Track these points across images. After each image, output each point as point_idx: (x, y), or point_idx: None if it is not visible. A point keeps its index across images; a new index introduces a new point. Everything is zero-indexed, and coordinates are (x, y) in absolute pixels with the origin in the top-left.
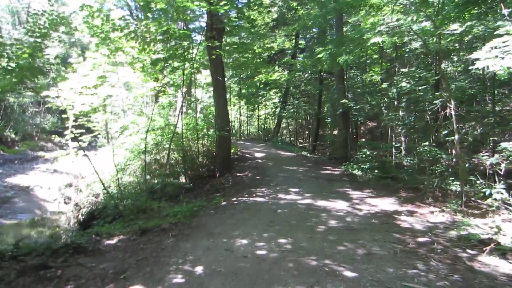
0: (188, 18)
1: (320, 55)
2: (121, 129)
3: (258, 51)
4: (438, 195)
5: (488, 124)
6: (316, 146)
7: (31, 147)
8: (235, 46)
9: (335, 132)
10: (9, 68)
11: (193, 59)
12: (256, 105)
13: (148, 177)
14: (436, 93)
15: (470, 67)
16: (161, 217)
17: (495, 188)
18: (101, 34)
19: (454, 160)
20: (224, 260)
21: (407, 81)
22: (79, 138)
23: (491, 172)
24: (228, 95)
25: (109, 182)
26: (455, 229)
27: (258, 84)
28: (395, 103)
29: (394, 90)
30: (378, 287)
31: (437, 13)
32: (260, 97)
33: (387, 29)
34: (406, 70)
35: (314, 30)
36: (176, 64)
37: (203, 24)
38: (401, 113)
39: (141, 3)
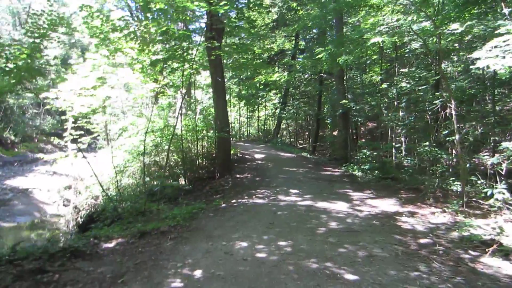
0: (188, 18)
1: (320, 56)
2: (120, 130)
3: (258, 52)
4: (439, 195)
5: (488, 124)
6: (316, 147)
7: (30, 149)
8: (235, 46)
9: (335, 133)
10: (7, 69)
11: (193, 60)
12: (256, 106)
13: (147, 179)
14: (436, 93)
15: (471, 67)
16: (160, 220)
17: (496, 188)
18: (100, 35)
19: (455, 160)
20: (223, 263)
21: (407, 81)
22: (79, 140)
23: (492, 172)
24: (228, 96)
25: (109, 184)
26: (456, 230)
27: (257, 85)
28: (395, 103)
29: (394, 91)
30: None
31: (437, 13)
32: (260, 98)
33: (387, 29)
34: (406, 70)
35: (314, 31)
36: (175, 65)
37: (203, 25)
38: (401, 114)
39: (141, 4)
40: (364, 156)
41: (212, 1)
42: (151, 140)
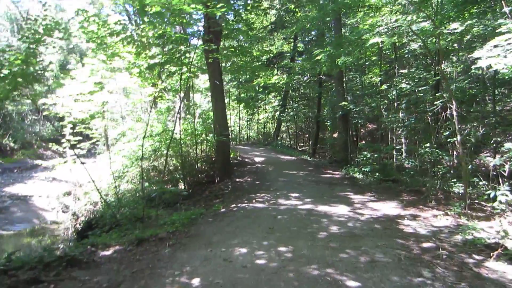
0: (184, 21)
1: (318, 57)
2: (118, 135)
3: (257, 55)
4: (441, 197)
5: (489, 124)
6: (316, 149)
7: (28, 156)
8: (233, 49)
9: (335, 135)
10: (2, 75)
11: (190, 63)
12: (255, 109)
13: (146, 184)
14: (437, 94)
15: (473, 67)
16: (158, 226)
17: (499, 190)
18: (97, 40)
19: (456, 161)
20: (222, 271)
21: (406, 82)
22: (78, 146)
23: (494, 173)
24: (227, 100)
25: (108, 190)
26: (460, 233)
27: (257, 88)
28: (395, 104)
29: (394, 92)
30: None
31: (436, 13)
32: (259, 101)
33: (386, 29)
34: (406, 71)
35: (313, 32)
36: (173, 68)
37: (201, 28)
38: (401, 115)
39: (137, 7)
40: (364, 158)
41: (209, 4)
42: (149, 145)
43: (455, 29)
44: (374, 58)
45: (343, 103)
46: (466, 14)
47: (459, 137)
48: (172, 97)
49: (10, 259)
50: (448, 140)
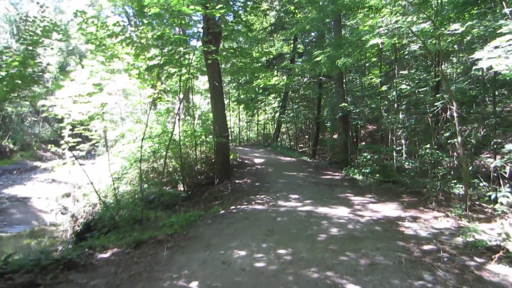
0: (183, 22)
1: (318, 58)
2: (117, 137)
3: (256, 56)
4: (442, 199)
5: (489, 125)
6: (316, 150)
7: (26, 157)
8: (232, 50)
9: (335, 136)
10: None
11: (189, 64)
12: (255, 110)
13: (145, 185)
14: (437, 95)
15: (474, 67)
16: (157, 228)
17: (500, 191)
18: (95, 41)
19: (456, 162)
20: (220, 274)
21: (407, 83)
22: (77, 147)
23: (495, 174)
24: (227, 101)
25: (107, 191)
26: (461, 236)
27: (256, 89)
28: (395, 105)
29: (394, 93)
30: None
31: (436, 14)
32: (259, 102)
33: (386, 30)
34: (406, 72)
35: (313, 34)
36: (172, 70)
37: (200, 30)
38: (401, 116)
39: (136, 9)
40: (364, 160)
41: (208, 5)
42: (149, 147)
43: (455, 30)
44: (374, 59)
45: (343, 104)
46: (466, 15)
47: (459, 138)
48: (171, 99)
49: (6, 262)
50: (449, 141)
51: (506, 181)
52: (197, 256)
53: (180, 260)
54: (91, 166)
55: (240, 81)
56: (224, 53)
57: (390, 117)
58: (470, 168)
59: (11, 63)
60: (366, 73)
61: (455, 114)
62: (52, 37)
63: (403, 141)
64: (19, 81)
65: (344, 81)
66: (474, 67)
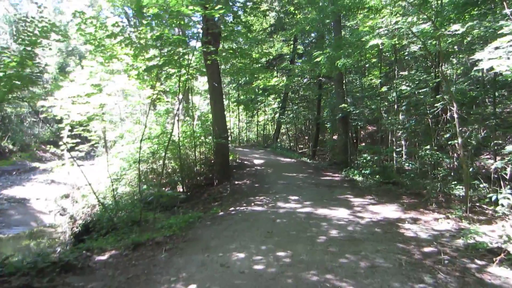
0: (182, 23)
1: (318, 59)
2: (116, 138)
3: (256, 57)
4: (442, 200)
5: (489, 126)
6: (316, 151)
7: (24, 158)
8: (231, 51)
9: (335, 137)
10: None
11: (189, 65)
12: (255, 111)
13: (144, 186)
14: (437, 96)
15: (475, 68)
16: (155, 230)
17: (501, 193)
18: (94, 42)
19: (456, 163)
20: (219, 276)
21: (407, 84)
22: (76, 148)
23: (495, 176)
24: (226, 102)
25: (105, 192)
26: (461, 238)
27: (256, 90)
28: (395, 106)
29: (394, 94)
30: None
31: (436, 15)
32: (258, 103)
33: (386, 31)
34: (406, 73)
35: (312, 35)
36: (172, 70)
37: (200, 31)
38: (401, 117)
39: (134, 9)
40: (364, 161)
41: (207, 6)
42: (148, 147)
43: (456, 30)
44: (374, 60)
45: (343, 105)
46: (466, 16)
47: (460, 140)
48: (171, 99)
49: (3, 264)
50: (449, 142)
51: (507, 182)
52: (195, 258)
53: (178, 262)
54: (91, 167)
55: (240, 81)
56: (223, 53)
57: (390, 118)
58: (470, 169)
59: (8, 63)
60: (366, 74)
61: (455, 115)
62: (51, 37)
63: (403, 142)
64: (18, 82)
65: (344, 82)
66: (475, 68)
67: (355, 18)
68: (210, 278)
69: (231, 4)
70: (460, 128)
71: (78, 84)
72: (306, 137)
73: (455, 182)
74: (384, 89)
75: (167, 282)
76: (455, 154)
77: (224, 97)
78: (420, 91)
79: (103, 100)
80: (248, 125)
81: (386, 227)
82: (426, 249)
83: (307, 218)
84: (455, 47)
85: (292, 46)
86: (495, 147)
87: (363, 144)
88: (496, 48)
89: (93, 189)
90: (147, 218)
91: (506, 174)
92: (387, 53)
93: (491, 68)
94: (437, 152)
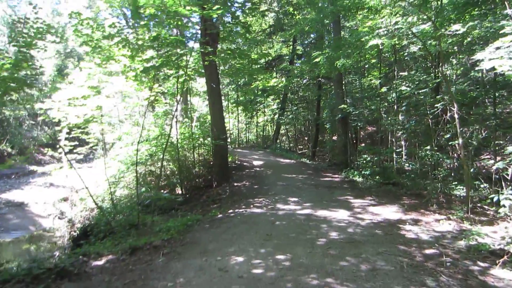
0: (180, 23)
1: (317, 59)
2: (114, 140)
3: (255, 57)
4: (443, 201)
5: (490, 127)
6: (316, 152)
7: (21, 161)
8: (229, 52)
9: (335, 138)
10: None
11: (187, 66)
12: (254, 112)
13: (143, 189)
14: (437, 97)
15: (476, 68)
16: (153, 233)
17: (502, 194)
18: (91, 43)
19: (456, 164)
20: (217, 281)
21: (406, 84)
22: (74, 151)
23: (496, 176)
24: (225, 103)
25: (103, 195)
26: (463, 239)
27: (255, 91)
28: (395, 107)
29: (394, 94)
30: None
31: (436, 15)
32: (258, 104)
33: (385, 31)
34: (406, 73)
35: (312, 35)
36: (170, 72)
37: (199, 31)
38: (400, 117)
39: (131, 9)
40: (364, 161)
41: (205, 6)
42: (146, 150)
43: (456, 30)
44: (373, 60)
45: (343, 105)
46: (466, 16)
47: (460, 140)
48: (170, 101)
49: None
50: (450, 143)
51: (508, 183)
52: (193, 262)
53: (176, 267)
54: (89, 169)
55: (239, 82)
56: (222, 54)
57: (389, 118)
58: (471, 170)
59: (3, 65)
60: (366, 74)
61: (456, 116)
62: (47, 39)
63: (403, 143)
64: (12, 84)
65: (343, 82)
66: (477, 68)
67: (355, 18)
68: (208, 283)
69: (229, 4)
70: (461, 129)
71: (76, 86)
72: (306, 138)
73: (456, 183)
74: (383, 89)
75: None
76: (455, 155)
77: (223, 98)
78: (420, 91)
79: (101, 102)
80: (247, 126)
81: (386, 228)
82: (428, 251)
83: (306, 220)
84: (455, 47)
85: (291, 47)
86: (496, 148)
87: (363, 144)
88: (497, 48)
89: (90, 193)
90: (145, 221)
91: (507, 174)
92: (386, 54)
93: (493, 68)
94: (437, 153)
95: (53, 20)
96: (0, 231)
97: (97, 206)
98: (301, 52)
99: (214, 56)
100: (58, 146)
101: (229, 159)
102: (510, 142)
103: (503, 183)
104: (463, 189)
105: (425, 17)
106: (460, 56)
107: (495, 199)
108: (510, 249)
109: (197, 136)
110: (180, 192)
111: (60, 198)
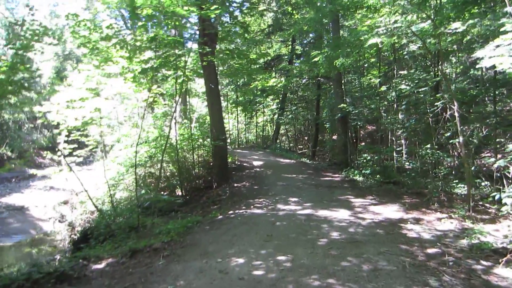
0: (178, 24)
1: (316, 59)
2: (113, 142)
3: (254, 57)
4: (444, 199)
5: (490, 125)
6: (316, 152)
7: (20, 165)
8: (228, 52)
9: (335, 137)
10: None
11: (185, 66)
12: (254, 112)
13: (143, 191)
14: (437, 95)
15: (477, 66)
16: (153, 235)
17: (504, 192)
18: (89, 44)
19: (457, 162)
20: (217, 284)
21: (406, 83)
22: (74, 154)
23: (498, 174)
24: (225, 103)
25: (103, 197)
26: (465, 238)
27: (255, 91)
28: (395, 106)
29: (393, 93)
30: None
31: (436, 13)
32: (257, 104)
33: (385, 30)
34: (405, 72)
35: (311, 35)
36: (168, 72)
37: (197, 32)
38: (400, 116)
39: (128, 9)
40: (364, 160)
41: (203, 6)
42: (145, 151)
43: (456, 28)
44: (373, 59)
45: (342, 105)
46: (466, 15)
47: (461, 138)
48: (169, 102)
49: None
50: (450, 141)
51: (510, 181)
52: (193, 264)
53: (176, 269)
54: (89, 172)
55: (238, 83)
56: (220, 55)
57: (389, 117)
58: (472, 168)
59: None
60: (365, 73)
61: (456, 114)
62: (44, 41)
63: (403, 141)
64: (10, 87)
65: (342, 81)
66: (477, 66)
67: (354, 17)
68: (208, 286)
69: (227, 4)
70: (461, 127)
71: (75, 89)
72: (306, 138)
73: (457, 181)
74: (383, 88)
75: None
76: (455, 153)
77: (222, 98)
78: (420, 90)
79: (99, 104)
80: (247, 126)
81: (388, 228)
82: (430, 250)
83: (307, 220)
84: (455, 46)
85: (290, 46)
86: (497, 146)
87: (363, 143)
88: (498, 46)
89: (90, 196)
90: (145, 223)
91: (508, 172)
92: (386, 53)
93: (493, 66)
94: (438, 151)
95: (51, 22)
96: (1, 235)
97: (97, 209)
98: (300, 52)
99: (213, 56)
100: (57, 149)
101: (229, 160)
102: (511, 140)
103: (504, 181)
104: (464, 187)
105: (424, 15)
106: (460, 55)
107: (496, 197)
108: None
109: (196, 137)
110: (180, 193)
111: (60, 201)
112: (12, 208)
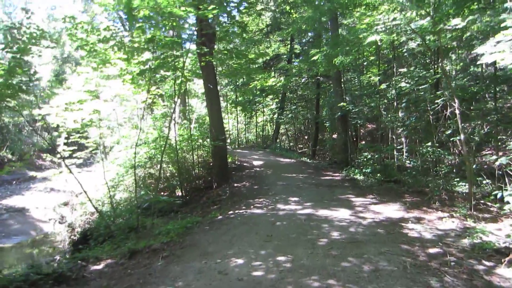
0: (175, 24)
1: (315, 58)
2: (113, 143)
3: (252, 57)
4: (445, 198)
5: (491, 122)
6: (316, 151)
7: (18, 168)
8: (226, 52)
9: (335, 136)
10: None
11: (183, 67)
12: (254, 112)
13: (142, 192)
14: (438, 92)
15: (478, 62)
16: (153, 236)
17: (506, 190)
18: (87, 47)
19: (458, 160)
20: (217, 285)
21: (406, 81)
22: (73, 156)
23: (499, 172)
24: (224, 103)
25: (103, 199)
26: (467, 237)
27: (254, 90)
28: (395, 104)
29: (393, 91)
30: None
31: (435, 10)
32: (257, 104)
33: (383, 28)
34: (405, 70)
35: (309, 34)
36: (166, 73)
37: (195, 32)
38: (400, 114)
39: (125, 11)
40: (365, 159)
41: (200, 6)
42: (145, 152)
43: (456, 25)
44: (372, 58)
45: (342, 103)
46: (465, 11)
47: (462, 136)
48: (168, 103)
49: None
50: (451, 139)
51: None
52: (193, 265)
53: (175, 270)
54: (89, 174)
55: (237, 83)
56: (219, 55)
57: (389, 115)
58: (473, 166)
59: None
60: (365, 71)
61: (457, 111)
62: (42, 44)
63: (403, 140)
64: (8, 91)
65: (342, 80)
66: (478, 62)
67: (352, 16)
68: (207, 287)
69: (225, 4)
70: (462, 124)
71: (74, 91)
72: (306, 137)
73: (458, 179)
74: (383, 86)
75: None
76: (456, 151)
77: (221, 98)
78: (420, 87)
79: (98, 106)
80: (246, 126)
81: (389, 227)
82: (431, 250)
83: (307, 220)
84: (454, 42)
85: (289, 45)
86: (499, 143)
87: (363, 142)
88: (499, 41)
89: (89, 197)
90: (145, 224)
91: (511, 170)
92: (385, 50)
93: (494, 63)
94: (439, 149)
95: (49, 25)
96: (2, 237)
97: (96, 210)
98: (299, 51)
99: (211, 56)
100: (57, 151)
101: (229, 160)
102: None
103: (506, 179)
104: (465, 185)
105: (423, 12)
106: (460, 51)
107: (498, 196)
108: None
109: (196, 137)
110: (180, 194)
111: (60, 203)
112: (12, 209)
